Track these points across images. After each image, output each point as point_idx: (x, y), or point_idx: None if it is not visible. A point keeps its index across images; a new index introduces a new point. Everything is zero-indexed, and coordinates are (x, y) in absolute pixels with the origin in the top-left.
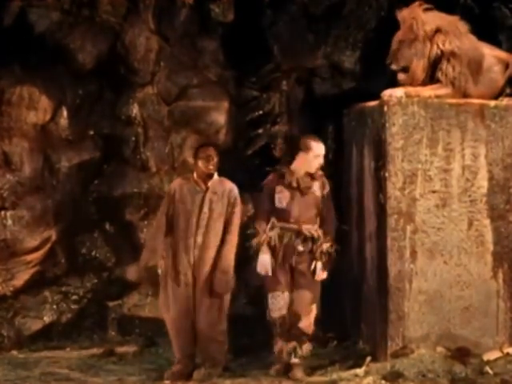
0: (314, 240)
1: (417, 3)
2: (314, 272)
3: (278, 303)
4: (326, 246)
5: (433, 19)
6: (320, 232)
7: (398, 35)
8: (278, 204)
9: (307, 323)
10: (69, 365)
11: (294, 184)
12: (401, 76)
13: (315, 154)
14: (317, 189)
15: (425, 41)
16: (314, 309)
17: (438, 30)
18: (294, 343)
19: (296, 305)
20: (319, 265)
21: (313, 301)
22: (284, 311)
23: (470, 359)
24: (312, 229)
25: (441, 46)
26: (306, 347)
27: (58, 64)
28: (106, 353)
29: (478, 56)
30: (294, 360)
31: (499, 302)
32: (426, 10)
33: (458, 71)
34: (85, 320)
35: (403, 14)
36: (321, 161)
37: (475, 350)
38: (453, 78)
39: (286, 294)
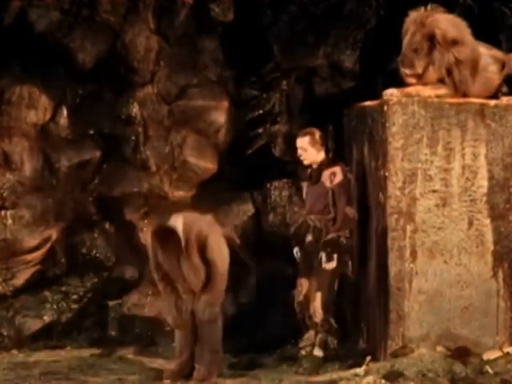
0: (320, 230)
1: (432, 7)
2: (320, 262)
3: (297, 289)
4: (330, 236)
5: (451, 28)
6: (325, 222)
7: (415, 40)
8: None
9: (312, 311)
10: (69, 364)
11: (308, 177)
12: (411, 80)
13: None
14: (325, 180)
15: (444, 51)
16: (319, 297)
17: (456, 40)
18: (311, 332)
19: (307, 292)
20: (323, 255)
21: (318, 288)
22: (301, 297)
23: (470, 359)
24: (317, 219)
25: (457, 55)
26: (320, 337)
27: (57, 64)
28: (105, 352)
29: (476, 56)
30: (305, 350)
31: (499, 302)
32: (440, 13)
33: (463, 74)
34: (85, 319)
35: (420, 18)
36: (299, 153)
37: (475, 349)
38: (459, 82)
39: (304, 280)
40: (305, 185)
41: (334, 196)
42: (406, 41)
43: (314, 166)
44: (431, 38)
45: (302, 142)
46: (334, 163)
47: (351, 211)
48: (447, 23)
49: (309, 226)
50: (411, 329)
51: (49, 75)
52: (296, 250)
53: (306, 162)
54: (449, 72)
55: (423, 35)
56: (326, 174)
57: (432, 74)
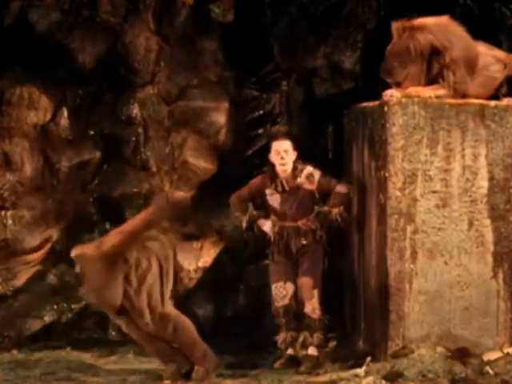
0: (313, 231)
1: (412, 20)
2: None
3: (280, 293)
4: (334, 211)
5: (429, 37)
6: (317, 223)
7: (393, 50)
8: (272, 205)
9: (311, 308)
10: (69, 365)
11: (279, 188)
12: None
13: (273, 151)
14: (304, 183)
15: (421, 63)
16: (316, 294)
17: (435, 50)
18: (305, 333)
19: (300, 291)
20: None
21: (314, 285)
22: (287, 301)
23: (470, 359)
24: (310, 221)
25: (441, 61)
26: (318, 336)
27: (58, 64)
28: (106, 353)
29: (473, 55)
30: (304, 351)
31: (499, 303)
32: (421, 23)
33: (458, 75)
34: (85, 320)
35: (398, 29)
36: (282, 156)
37: (475, 350)
38: (454, 83)
39: (288, 283)
40: (270, 192)
41: (323, 188)
42: (387, 50)
43: (283, 175)
44: (407, 51)
45: (287, 145)
46: (303, 165)
47: (343, 187)
48: (423, 34)
49: (298, 230)
50: (411, 329)
51: (49, 76)
52: (268, 225)
53: (285, 167)
54: (441, 74)
55: (400, 47)
56: (302, 178)
57: (408, 85)
